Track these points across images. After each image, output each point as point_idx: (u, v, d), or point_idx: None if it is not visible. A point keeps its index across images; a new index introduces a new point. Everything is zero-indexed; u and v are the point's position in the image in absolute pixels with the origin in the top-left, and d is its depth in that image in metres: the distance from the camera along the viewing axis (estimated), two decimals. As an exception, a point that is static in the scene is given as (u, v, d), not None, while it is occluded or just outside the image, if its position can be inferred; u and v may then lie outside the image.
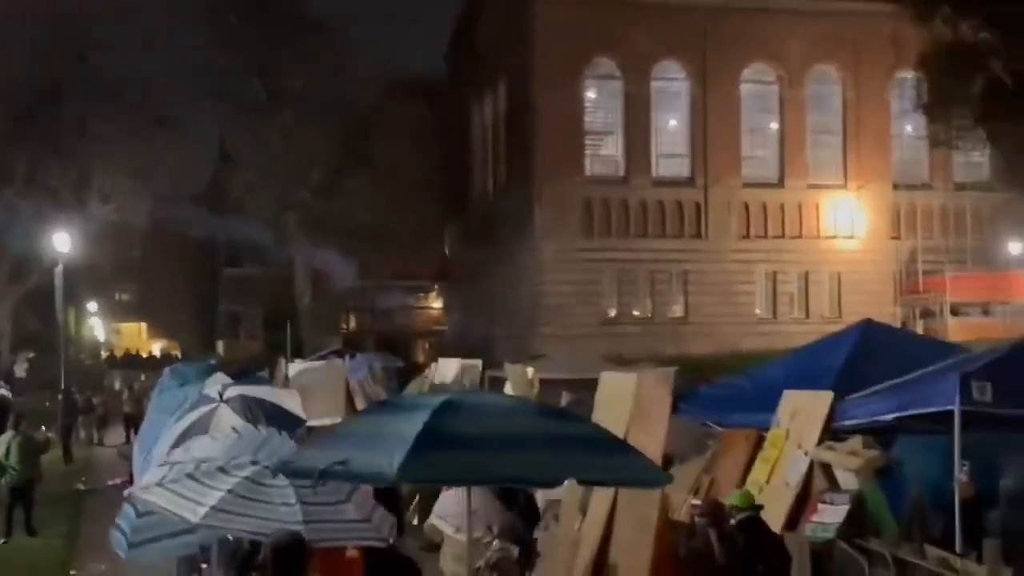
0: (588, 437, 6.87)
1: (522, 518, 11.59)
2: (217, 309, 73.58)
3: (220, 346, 65.56)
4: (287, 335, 37.12)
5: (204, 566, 12.73)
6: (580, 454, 6.53)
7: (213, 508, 7.99)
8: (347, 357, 32.38)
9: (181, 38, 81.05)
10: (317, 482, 7.22)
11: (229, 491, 7.98)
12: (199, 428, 10.68)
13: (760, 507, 10.07)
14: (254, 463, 8.04)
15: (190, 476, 8.11)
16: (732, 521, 9.79)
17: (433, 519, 12.03)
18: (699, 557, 10.04)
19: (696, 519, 10.35)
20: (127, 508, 9.03)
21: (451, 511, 11.27)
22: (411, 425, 6.25)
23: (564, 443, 6.52)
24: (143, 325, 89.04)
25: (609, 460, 6.73)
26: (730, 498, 10.19)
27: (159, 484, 8.33)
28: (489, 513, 10.92)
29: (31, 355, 57.42)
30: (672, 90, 48.26)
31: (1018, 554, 8.83)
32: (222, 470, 8.06)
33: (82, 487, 24.06)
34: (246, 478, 7.87)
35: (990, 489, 10.44)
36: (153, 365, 52.88)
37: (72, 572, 16.37)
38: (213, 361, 32.66)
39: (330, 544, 7.96)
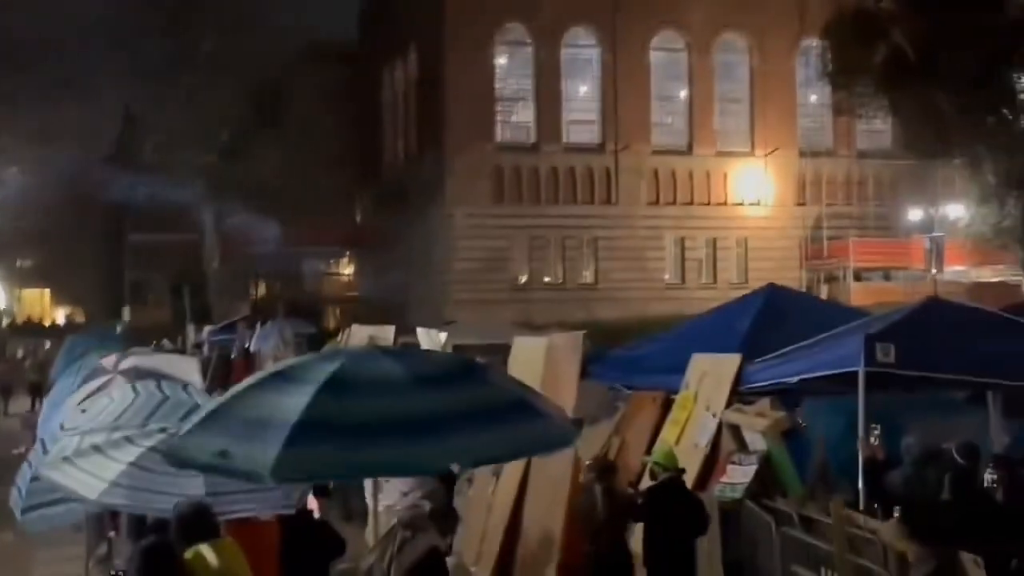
0: (490, 406, 6.29)
1: (442, 481, 11.61)
2: (123, 275, 72.23)
3: (126, 312, 64.32)
4: (185, 302, 36.70)
5: (112, 534, 12.63)
6: (475, 433, 6.05)
7: (113, 483, 7.81)
8: (258, 323, 32.15)
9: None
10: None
11: (132, 463, 7.81)
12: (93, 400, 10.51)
13: (682, 470, 10.14)
14: (162, 430, 7.88)
15: (96, 448, 7.91)
16: (655, 481, 9.88)
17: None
18: (586, 514, 10.26)
19: (585, 476, 10.51)
20: (24, 466, 8.87)
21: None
22: (294, 405, 5.90)
23: (459, 422, 6.01)
24: (46, 291, 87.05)
25: (511, 431, 6.25)
26: (653, 455, 10.30)
27: (65, 459, 8.15)
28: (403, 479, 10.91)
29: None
30: (583, 57, 48.37)
31: (919, 511, 9.10)
32: (128, 439, 7.89)
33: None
34: (151, 448, 7.61)
35: (893, 450, 10.74)
36: (57, 332, 51.79)
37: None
38: (119, 329, 32.20)
39: (237, 515, 7.76)
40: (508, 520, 13.06)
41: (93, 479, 7.95)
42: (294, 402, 5.95)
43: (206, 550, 6.73)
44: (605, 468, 10.36)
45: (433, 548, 8.29)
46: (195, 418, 6.44)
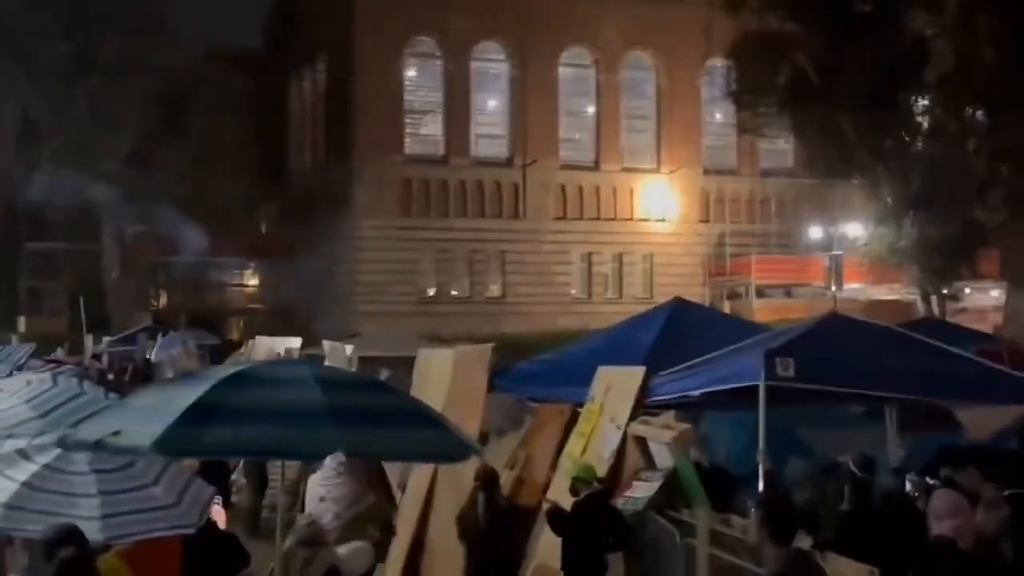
0: (388, 409, 6.39)
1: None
2: (18, 283, 70.50)
3: (21, 323, 62.79)
4: (81, 311, 35.91)
5: (8, 549, 12.28)
6: (369, 428, 6.12)
7: (4, 506, 7.62)
8: (160, 334, 31.68)
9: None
10: (122, 467, 6.93)
11: (24, 483, 7.45)
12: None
13: (601, 480, 10.16)
14: (60, 442, 7.66)
15: None
16: (578, 496, 9.87)
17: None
18: (467, 522, 10.31)
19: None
20: None
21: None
22: (192, 393, 5.96)
23: (354, 417, 6.06)
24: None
25: (405, 433, 6.29)
26: (571, 470, 10.28)
27: None
28: (335, 491, 10.65)
29: None
30: (492, 71, 48.56)
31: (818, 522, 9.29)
32: (23, 454, 7.56)
33: None
34: (45, 466, 7.33)
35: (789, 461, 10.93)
36: (-52, 341, 50.28)
37: None
38: (14, 340, 31.38)
39: (134, 539, 7.47)
40: (414, 534, 13.01)
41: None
42: (193, 391, 5.99)
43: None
44: (489, 477, 10.40)
45: (332, 567, 8.24)
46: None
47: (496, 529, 10.23)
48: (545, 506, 10.22)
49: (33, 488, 7.59)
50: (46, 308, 64.22)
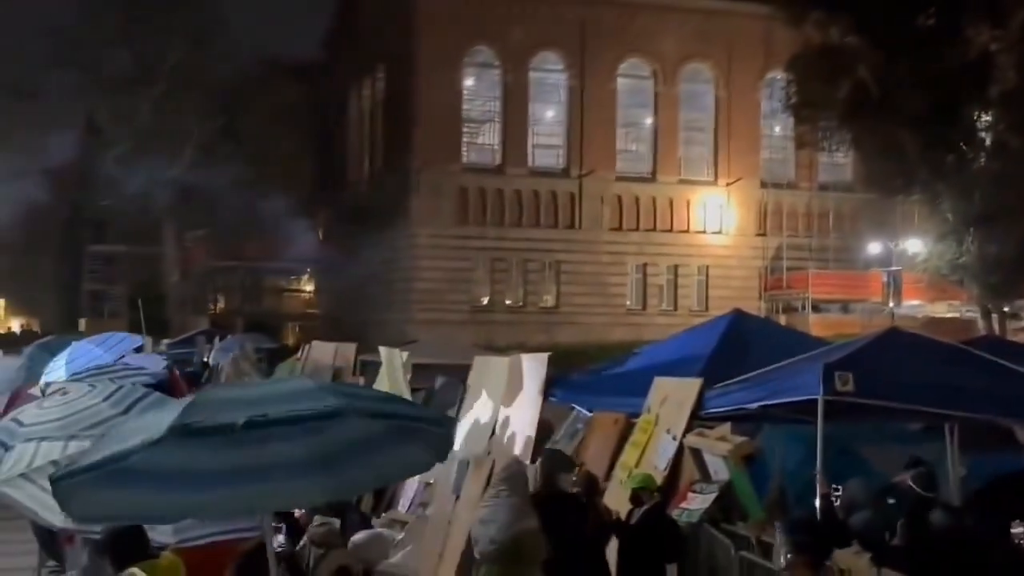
0: (347, 439, 5.45)
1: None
2: (80, 286, 71.61)
3: (82, 324, 63.72)
4: (140, 314, 36.29)
5: (69, 547, 12.47)
6: (314, 471, 5.29)
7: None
8: (217, 337, 31.96)
9: (42, 4, 78.43)
10: None
11: None
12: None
13: (661, 490, 10.14)
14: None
15: (55, 463, 7.58)
16: (642, 505, 9.80)
17: None
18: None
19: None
20: None
21: None
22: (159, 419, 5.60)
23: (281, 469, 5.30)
24: (2, 301, 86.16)
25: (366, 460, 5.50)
26: (631, 481, 10.21)
27: (23, 475, 8.02)
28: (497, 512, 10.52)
29: None
30: (550, 81, 48.63)
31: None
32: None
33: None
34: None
35: (846, 477, 10.83)
36: (12, 342, 51.18)
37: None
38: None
39: (199, 542, 7.59)
40: (467, 541, 13.04)
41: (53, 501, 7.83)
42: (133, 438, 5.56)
43: (139, 573, 6.70)
44: (590, 482, 10.32)
45: (343, 567, 8.27)
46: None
47: (597, 535, 10.09)
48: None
49: None
50: (107, 310, 65.18)
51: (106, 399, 8.64)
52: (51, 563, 12.82)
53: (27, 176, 52.57)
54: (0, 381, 19.17)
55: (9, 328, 74.66)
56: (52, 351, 18.55)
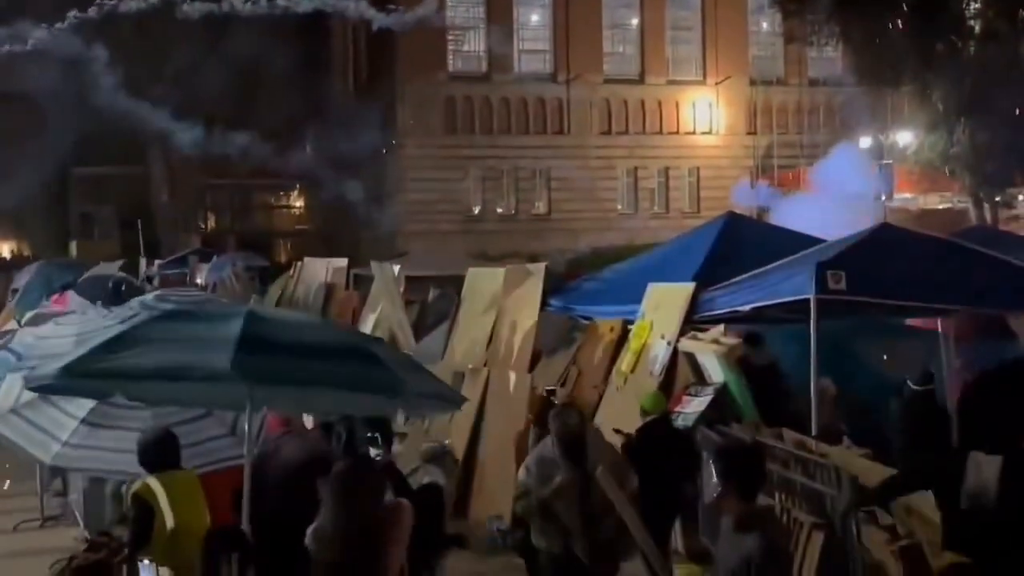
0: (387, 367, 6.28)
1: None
2: (69, 208, 71.27)
3: (73, 247, 63.55)
4: (139, 235, 36.30)
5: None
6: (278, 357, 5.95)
7: (67, 444, 7.70)
8: (214, 256, 32.00)
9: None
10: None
11: (83, 421, 7.71)
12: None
13: (668, 412, 10.08)
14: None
15: (45, 400, 7.66)
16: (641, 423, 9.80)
17: None
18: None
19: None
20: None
21: None
22: (225, 329, 5.84)
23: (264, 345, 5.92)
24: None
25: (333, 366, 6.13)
26: (641, 401, 10.16)
27: (13, 411, 7.96)
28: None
29: None
30: (534, -16, 47.94)
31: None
32: None
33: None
34: (101, 402, 7.48)
35: (844, 375, 10.88)
36: (3, 267, 51.07)
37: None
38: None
39: (200, 471, 7.48)
40: (463, 458, 13.15)
41: (46, 437, 7.79)
42: (224, 328, 5.89)
43: (153, 482, 6.74)
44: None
45: (434, 484, 8.33)
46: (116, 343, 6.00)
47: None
48: (620, 440, 10.09)
49: (90, 424, 7.74)
50: (97, 232, 64.92)
51: (123, 322, 8.44)
52: (54, 485, 12.98)
53: (7, 97, 52.05)
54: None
55: (-1, 253, 74.44)
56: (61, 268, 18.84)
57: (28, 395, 7.62)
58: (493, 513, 12.10)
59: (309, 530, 6.31)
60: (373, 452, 8.32)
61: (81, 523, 10.61)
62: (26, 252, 70.22)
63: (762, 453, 6.91)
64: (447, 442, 9.87)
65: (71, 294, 15.25)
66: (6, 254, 73.51)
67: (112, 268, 21.22)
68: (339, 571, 6.18)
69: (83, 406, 7.66)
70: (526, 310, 13.47)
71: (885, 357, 11.34)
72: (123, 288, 17.59)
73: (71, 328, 8.74)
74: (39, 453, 8.02)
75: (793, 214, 21.19)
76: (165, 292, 10.81)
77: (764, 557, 5.23)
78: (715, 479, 5.44)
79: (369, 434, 7.87)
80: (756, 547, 5.24)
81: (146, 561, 6.44)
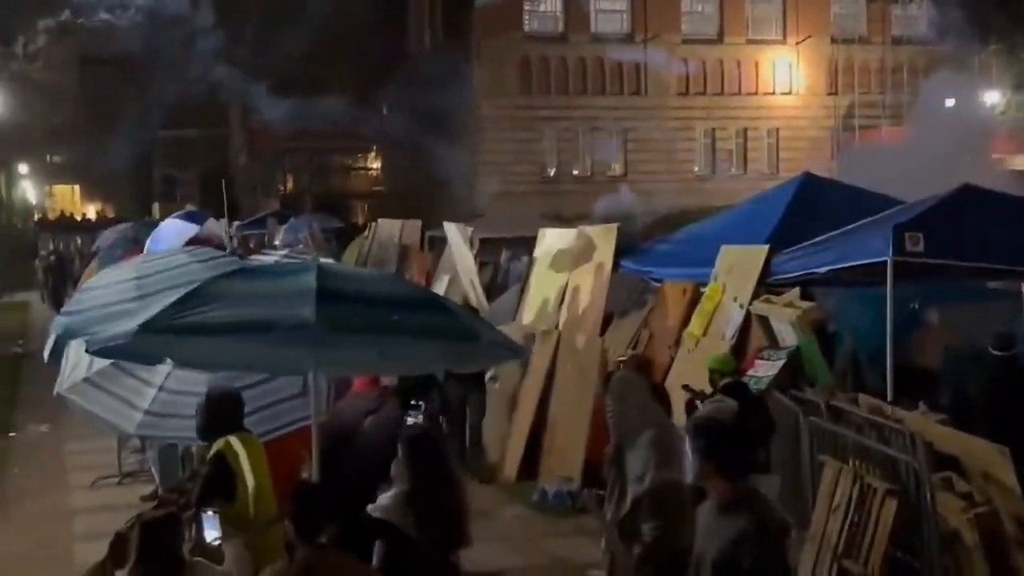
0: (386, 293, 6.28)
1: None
2: (152, 171, 72.44)
3: (156, 209, 64.61)
4: (224, 197, 36.62)
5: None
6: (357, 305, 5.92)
7: (147, 413, 7.71)
8: (291, 218, 32.30)
9: None
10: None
11: (161, 388, 7.70)
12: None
13: (739, 373, 9.91)
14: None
15: (119, 367, 7.60)
16: (715, 387, 9.58)
17: None
18: None
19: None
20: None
21: None
22: (299, 283, 5.78)
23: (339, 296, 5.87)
24: (76, 187, 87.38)
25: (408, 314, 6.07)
26: (709, 362, 10.01)
27: (87, 380, 7.91)
28: None
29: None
30: (612, -58, 47.38)
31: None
32: None
33: (19, 350, 23.86)
34: (176, 369, 7.32)
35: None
36: (88, 228, 52.09)
37: (11, 434, 16.37)
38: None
39: (270, 436, 7.49)
40: (534, 415, 13.15)
41: (126, 407, 7.80)
42: (297, 282, 5.83)
43: (235, 442, 6.77)
44: (643, 363, 10.08)
45: None
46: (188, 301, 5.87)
47: None
48: (685, 396, 9.96)
49: (169, 392, 7.75)
50: (179, 194, 65.96)
51: (201, 261, 8.24)
52: (132, 441, 13.21)
53: (96, 62, 52.85)
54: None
55: (84, 214, 75.93)
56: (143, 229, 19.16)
57: (100, 363, 7.54)
58: (563, 474, 12.11)
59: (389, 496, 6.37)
60: (411, 420, 8.36)
61: (157, 479, 10.78)
62: (111, 214, 71.58)
63: (745, 431, 6.65)
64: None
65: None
66: (92, 215, 74.94)
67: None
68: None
69: (159, 372, 7.60)
70: (598, 272, 13.38)
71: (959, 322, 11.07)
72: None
73: (119, 275, 8.62)
74: (122, 423, 8.04)
75: (877, 170, 20.73)
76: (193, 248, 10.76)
77: (757, 535, 4.95)
78: (695, 459, 5.18)
79: (412, 401, 7.88)
80: (747, 527, 4.95)
81: (210, 512, 6.48)
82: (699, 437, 5.28)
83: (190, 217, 18.64)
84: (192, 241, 15.29)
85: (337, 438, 7.45)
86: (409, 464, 6.61)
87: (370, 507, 6.46)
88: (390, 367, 7.49)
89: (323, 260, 7.90)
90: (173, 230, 17.31)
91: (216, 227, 21.91)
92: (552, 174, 46.78)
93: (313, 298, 5.54)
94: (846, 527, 8.14)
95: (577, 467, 11.90)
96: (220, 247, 16.04)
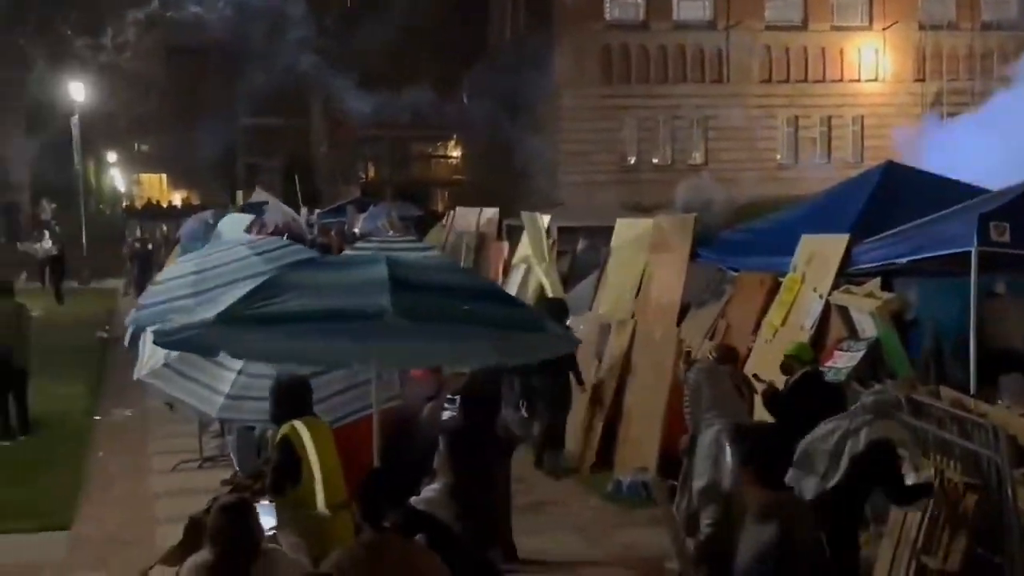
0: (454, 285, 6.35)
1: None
2: (235, 159, 73.45)
3: (239, 196, 65.52)
4: (296, 185, 37.08)
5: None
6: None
7: (228, 396, 7.88)
8: (371, 206, 32.54)
9: None
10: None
11: (240, 372, 7.84)
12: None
13: (816, 361, 9.75)
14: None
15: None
16: (791, 374, 9.44)
17: None
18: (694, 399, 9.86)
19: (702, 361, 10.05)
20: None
21: None
22: (371, 273, 5.83)
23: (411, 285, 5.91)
24: (163, 176, 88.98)
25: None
26: (786, 348, 9.86)
27: (166, 365, 8.08)
28: None
29: (53, 205, 57.73)
30: (693, -72, 46.95)
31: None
32: None
33: (105, 336, 24.30)
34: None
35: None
36: (174, 215, 53.00)
37: (96, 418, 16.69)
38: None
39: (347, 420, 7.63)
40: (610, 405, 13.10)
41: (207, 391, 7.93)
42: (369, 272, 5.87)
43: (300, 427, 6.82)
44: (727, 353, 9.98)
45: (884, 440, 7.69)
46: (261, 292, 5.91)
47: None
48: (760, 387, 9.84)
49: (248, 375, 7.86)
50: (264, 182, 66.82)
51: (259, 253, 8.34)
52: (214, 426, 13.40)
53: (182, 52, 53.68)
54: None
55: (170, 201, 77.28)
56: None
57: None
58: (638, 465, 12.05)
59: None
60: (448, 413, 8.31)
61: (235, 464, 10.92)
62: (196, 201, 72.80)
63: (783, 437, 6.51)
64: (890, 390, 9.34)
65: None
66: (178, 203, 76.30)
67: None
68: None
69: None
70: (675, 262, 13.28)
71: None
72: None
73: (180, 270, 8.72)
74: (205, 407, 8.18)
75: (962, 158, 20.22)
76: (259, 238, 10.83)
77: (779, 550, 4.88)
78: (733, 463, 5.18)
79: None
80: (772, 540, 4.89)
81: (264, 501, 6.55)
82: (738, 442, 5.26)
83: (248, 207, 18.93)
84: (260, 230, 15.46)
85: (398, 425, 7.49)
86: (448, 458, 6.60)
87: (413, 499, 6.45)
88: (457, 356, 7.49)
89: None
90: (235, 221, 17.56)
91: (282, 215, 22.15)
92: (632, 163, 46.56)
93: (388, 287, 5.57)
94: (925, 522, 7.99)
95: (652, 458, 11.84)
96: (295, 237, 16.19)
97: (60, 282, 34.20)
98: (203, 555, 5.20)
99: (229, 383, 7.91)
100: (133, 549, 10.01)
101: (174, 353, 7.71)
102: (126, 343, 8.90)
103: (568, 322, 12.64)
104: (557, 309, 12.28)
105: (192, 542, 6.38)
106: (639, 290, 13.82)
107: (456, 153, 61.49)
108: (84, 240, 42.26)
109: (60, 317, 28.79)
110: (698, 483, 8.10)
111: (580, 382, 13.01)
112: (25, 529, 11.04)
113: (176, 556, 6.66)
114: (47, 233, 39.61)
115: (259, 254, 8.27)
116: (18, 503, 11.83)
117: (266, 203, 24.37)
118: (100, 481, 13.10)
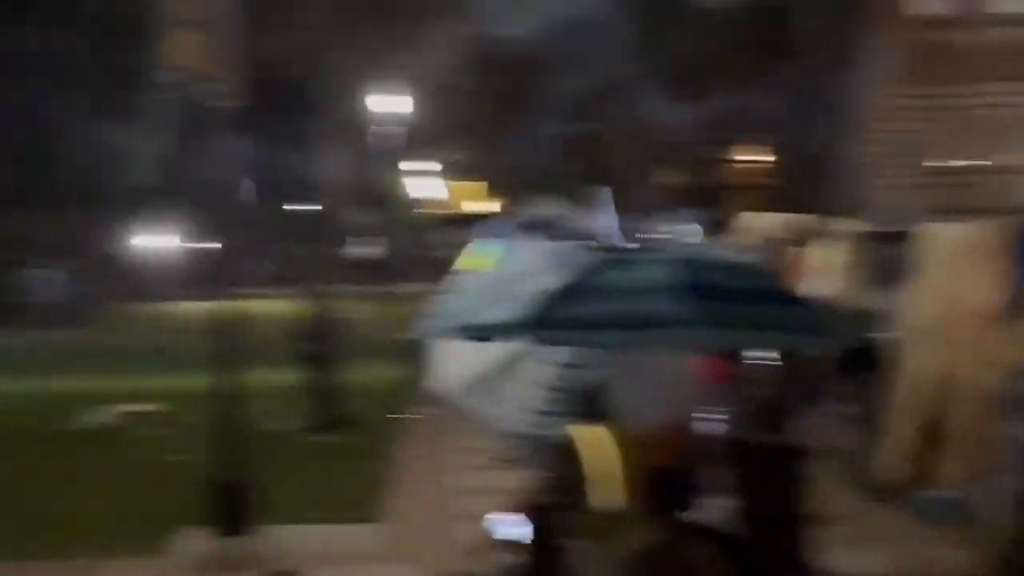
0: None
1: None
2: (545, 168, 74.88)
3: (545, 203, 66.75)
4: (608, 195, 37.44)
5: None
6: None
7: (536, 413, 7.86)
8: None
9: None
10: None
11: (536, 383, 7.79)
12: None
13: None
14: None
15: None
16: None
17: None
18: None
19: None
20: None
21: None
22: (666, 276, 5.84)
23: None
24: (474, 183, 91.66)
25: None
26: None
27: (462, 379, 8.27)
28: None
29: (372, 211, 60.48)
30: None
31: None
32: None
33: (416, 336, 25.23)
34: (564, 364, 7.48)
35: None
36: (482, 222, 54.54)
37: (408, 416, 17.39)
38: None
39: (639, 426, 7.33)
40: (925, 417, 12.63)
41: (515, 410, 8.03)
42: (664, 272, 5.90)
43: (583, 431, 6.91)
44: None
45: None
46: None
47: None
48: None
49: (549, 388, 7.84)
50: (569, 190, 67.97)
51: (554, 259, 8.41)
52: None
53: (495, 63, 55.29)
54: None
55: (480, 210, 79.56)
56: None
57: (472, 364, 7.86)
58: (951, 480, 11.61)
59: None
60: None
61: (534, 467, 11.15)
62: (505, 208, 74.75)
63: None
64: None
65: None
66: (488, 209, 78.50)
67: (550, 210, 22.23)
68: None
69: (543, 371, 7.72)
70: (988, 267, 12.65)
71: None
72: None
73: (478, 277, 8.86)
74: (506, 423, 8.35)
75: None
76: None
77: None
78: None
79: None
80: None
81: (508, 516, 6.63)
82: None
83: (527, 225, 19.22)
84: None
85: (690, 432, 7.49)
86: (736, 467, 6.50)
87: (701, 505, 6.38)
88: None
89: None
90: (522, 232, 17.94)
91: (568, 221, 22.40)
92: (943, 165, 44.51)
93: (688, 292, 5.61)
94: None
95: (967, 474, 11.36)
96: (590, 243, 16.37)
97: (383, 285, 36.13)
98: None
99: (528, 397, 8.03)
100: (442, 544, 10.42)
101: (469, 367, 7.90)
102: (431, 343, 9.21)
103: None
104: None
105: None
106: (952, 296, 13.25)
107: (760, 157, 60.64)
108: (394, 245, 44.31)
109: (381, 317, 30.24)
110: None
111: (887, 390, 12.64)
112: (338, 520, 11.70)
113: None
114: (369, 238, 41.60)
115: (553, 259, 8.38)
116: (329, 495, 12.54)
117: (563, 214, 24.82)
118: (409, 477, 13.69)
